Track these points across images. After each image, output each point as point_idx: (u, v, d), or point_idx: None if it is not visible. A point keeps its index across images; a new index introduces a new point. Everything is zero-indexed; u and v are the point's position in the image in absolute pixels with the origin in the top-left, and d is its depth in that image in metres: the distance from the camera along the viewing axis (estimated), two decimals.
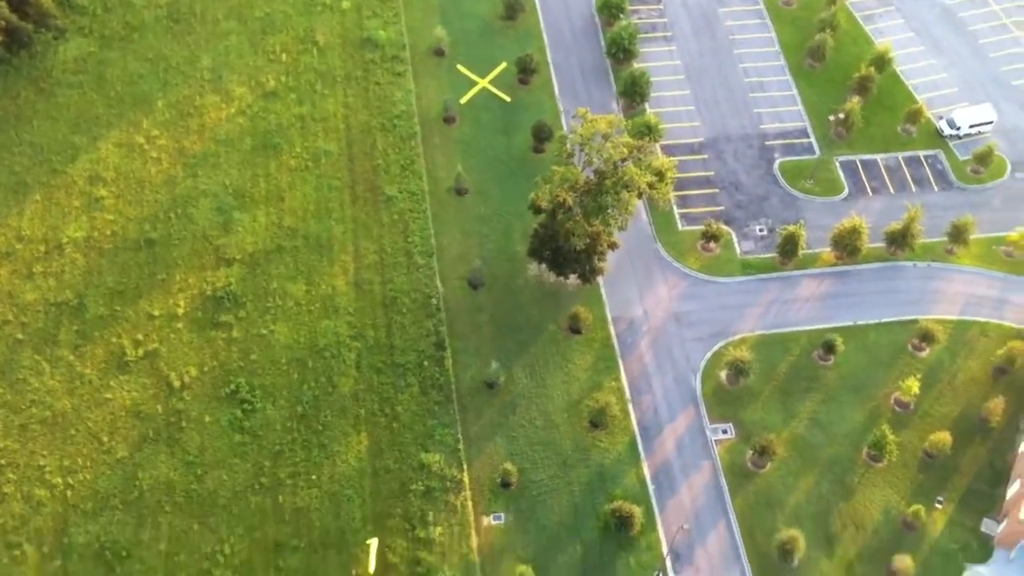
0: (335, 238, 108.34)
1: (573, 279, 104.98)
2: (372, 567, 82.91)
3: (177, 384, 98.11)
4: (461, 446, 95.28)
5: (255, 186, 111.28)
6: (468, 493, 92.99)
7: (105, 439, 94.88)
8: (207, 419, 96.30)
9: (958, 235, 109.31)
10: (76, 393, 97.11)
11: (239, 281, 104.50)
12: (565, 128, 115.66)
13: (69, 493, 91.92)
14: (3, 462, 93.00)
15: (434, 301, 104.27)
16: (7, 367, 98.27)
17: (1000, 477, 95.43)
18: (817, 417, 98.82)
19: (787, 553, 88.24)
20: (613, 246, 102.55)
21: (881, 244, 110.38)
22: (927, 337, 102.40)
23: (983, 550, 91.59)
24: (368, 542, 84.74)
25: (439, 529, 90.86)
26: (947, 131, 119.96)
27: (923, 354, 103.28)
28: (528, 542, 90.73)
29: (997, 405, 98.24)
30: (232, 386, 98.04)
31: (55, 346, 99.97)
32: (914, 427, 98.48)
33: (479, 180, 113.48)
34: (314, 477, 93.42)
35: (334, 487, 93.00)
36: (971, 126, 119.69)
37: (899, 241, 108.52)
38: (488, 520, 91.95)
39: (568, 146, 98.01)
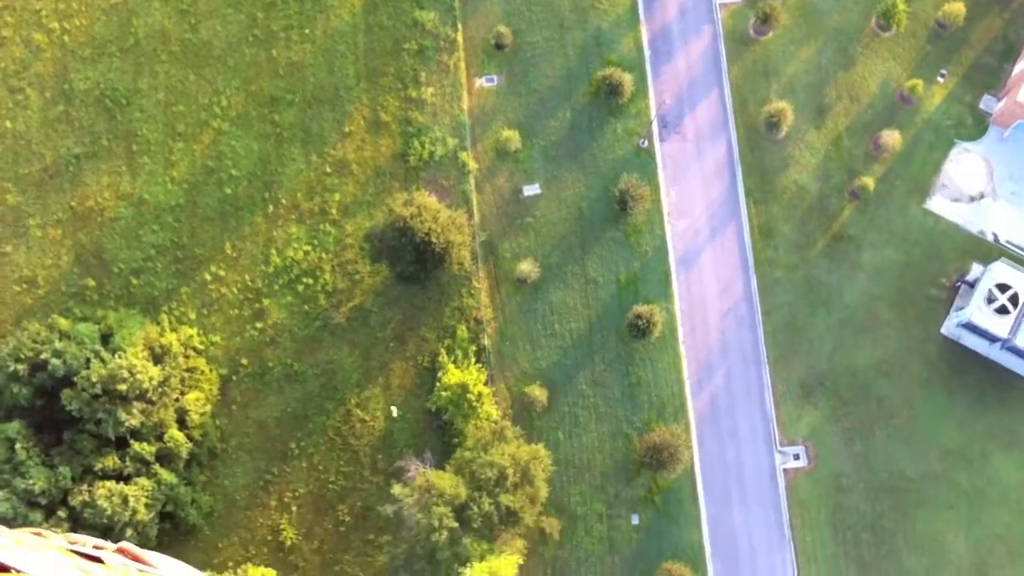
0: None
1: None
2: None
3: None
4: (456, 3, 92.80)
5: None
6: (461, 54, 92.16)
7: None
8: None
9: None
10: None
11: None
12: None
13: (66, 38, 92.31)
14: (0, 5, 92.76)
15: None
16: None
17: (1011, 51, 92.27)
18: None
19: (774, 125, 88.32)
20: None
21: None
22: None
23: (977, 127, 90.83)
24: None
25: (431, 90, 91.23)
26: None
27: None
28: (519, 105, 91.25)
29: None
30: None
31: None
32: None
33: None
34: (307, 31, 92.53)
35: (327, 42, 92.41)
36: None
37: None
38: (480, 82, 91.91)
39: None
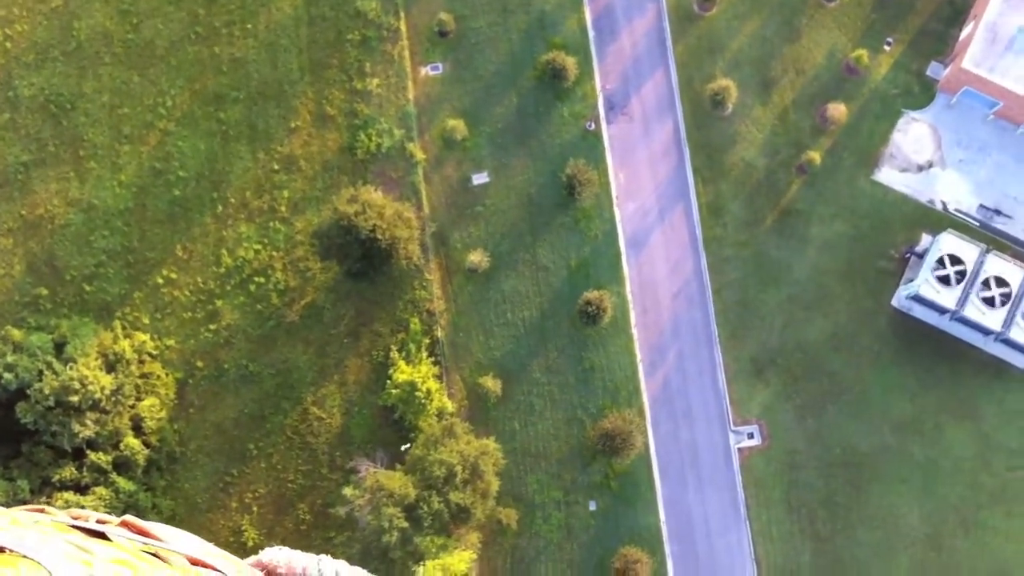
0: None
1: None
2: None
3: None
4: None
5: None
6: (405, 42, 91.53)
7: None
8: None
9: None
10: None
11: None
12: None
13: (8, 44, 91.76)
14: None
15: None
16: None
17: (958, 16, 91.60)
18: None
19: (719, 102, 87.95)
20: None
21: None
22: None
23: (925, 96, 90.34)
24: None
25: (376, 80, 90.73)
26: None
27: None
28: (464, 92, 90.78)
29: None
30: None
31: None
32: None
33: None
34: (249, 26, 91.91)
35: (270, 36, 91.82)
36: None
37: None
38: (426, 71, 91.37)
39: None
